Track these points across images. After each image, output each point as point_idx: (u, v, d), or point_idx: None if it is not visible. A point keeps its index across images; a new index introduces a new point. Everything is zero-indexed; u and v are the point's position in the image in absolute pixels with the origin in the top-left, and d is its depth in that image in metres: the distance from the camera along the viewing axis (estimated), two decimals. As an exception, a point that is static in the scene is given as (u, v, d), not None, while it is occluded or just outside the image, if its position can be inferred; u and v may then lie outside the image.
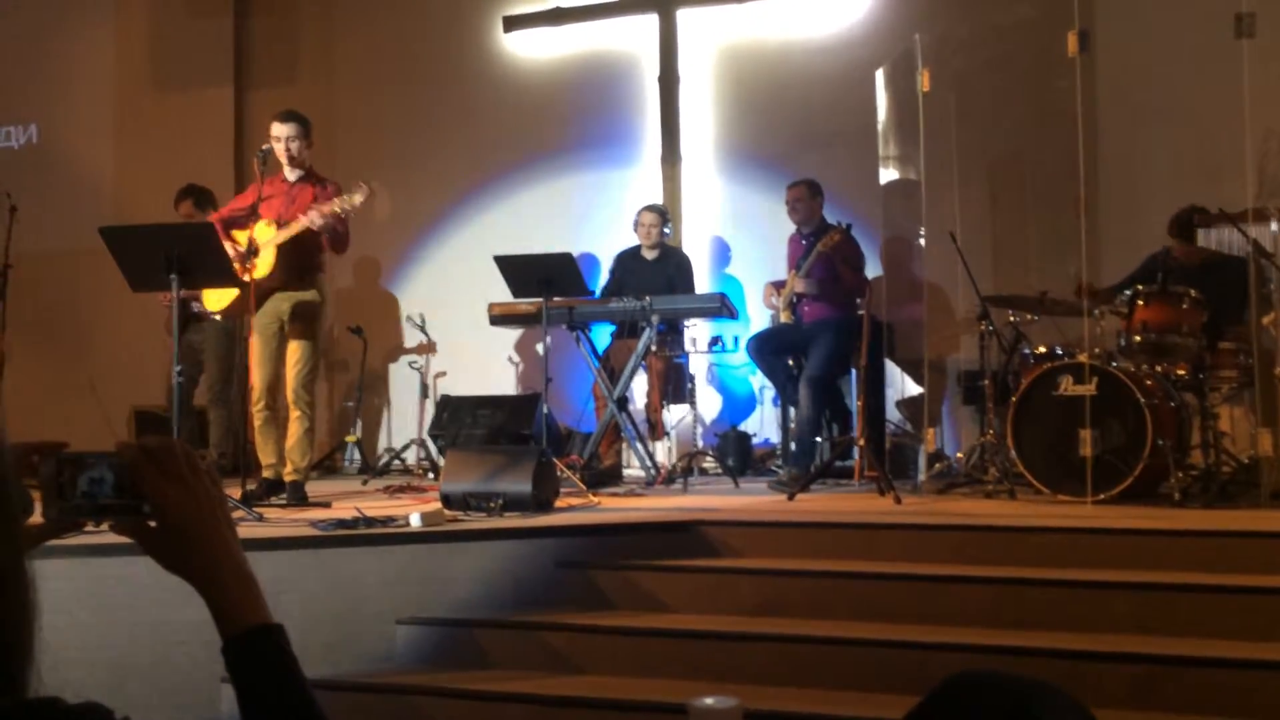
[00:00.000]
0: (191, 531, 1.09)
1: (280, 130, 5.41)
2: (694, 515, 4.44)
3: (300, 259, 5.35)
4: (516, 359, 7.77)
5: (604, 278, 7.17)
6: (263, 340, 5.31)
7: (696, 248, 7.51)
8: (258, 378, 5.31)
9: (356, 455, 7.97)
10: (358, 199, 5.16)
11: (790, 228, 6.61)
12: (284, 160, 5.41)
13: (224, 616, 1.08)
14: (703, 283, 7.36)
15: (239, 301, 5.30)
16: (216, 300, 5.49)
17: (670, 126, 7.66)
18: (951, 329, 6.54)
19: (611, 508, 5.03)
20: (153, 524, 1.09)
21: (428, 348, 7.74)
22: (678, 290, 6.63)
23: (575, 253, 6.23)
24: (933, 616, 3.67)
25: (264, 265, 5.24)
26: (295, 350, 5.38)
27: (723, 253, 7.66)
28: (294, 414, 5.38)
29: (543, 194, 7.91)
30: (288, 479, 5.37)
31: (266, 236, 5.26)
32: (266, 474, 5.35)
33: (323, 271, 5.50)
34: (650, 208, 6.95)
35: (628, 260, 6.98)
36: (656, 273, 6.79)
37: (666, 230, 6.92)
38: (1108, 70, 6.55)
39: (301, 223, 5.18)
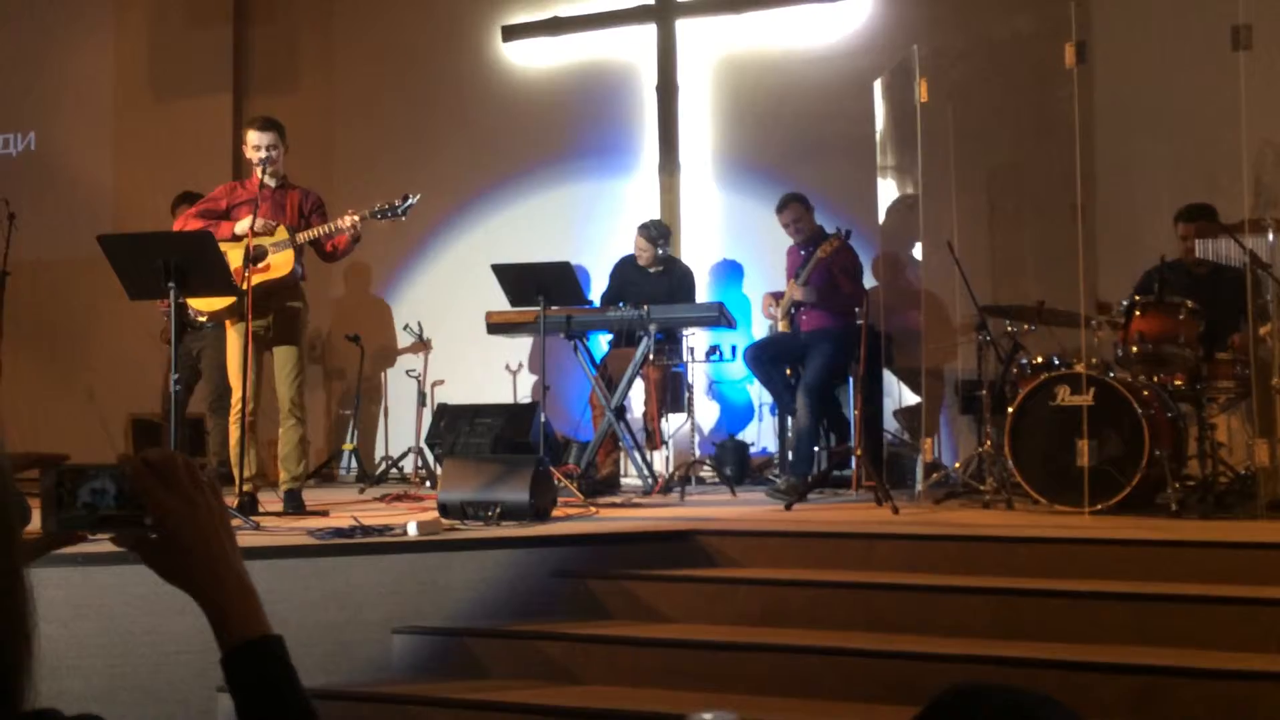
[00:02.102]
0: (192, 544, 1.09)
1: (261, 139, 5.34)
2: (691, 525, 4.44)
3: (300, 264, 5.35)
4: (514, 367, 7.77)
5: (603, 284, 7.17)
6: (245, 347, 5.18)
7: (694, 257, 7.52)
8: (242, 384, 5.23)
9: (354, 463, 7.96)
10: (401, 207, 5.24)
11: (789, 237, 6.61)
12: (265, 168, 5.30)
13: (224, 628, 1.08)
14: (702, 293, 7.36)
15: (231, 305, 5.25)
16: (205, 303, 5.39)
17: (668, 136, 7.67)
18: (949, 338, 6.55)
19: (609, 517, 5.02)
20: (153, 536, 1.10)
21: (425, 356, 7.73)
22: (679, 302, 6.62)
23: (573, 262, 6.22)
24: (930, 627, 3.67)
25: (284, 265, 5.21)
26: (285, 358, 5.33)
27: (723, 263, 7.67)
28: (288, 422, 5.35)
29: (541, 203, 7.92)
30: (284, 487, 5.35)
31: (278, 236, 5.21)
32: (246, 487, 5.15)
33: (304, 279, 5.49)
34: (643, 231, 6.87)
35: (628, 269, 6.97)
36: (658, 284, 6.77)
37: (661, 251, 6.88)
38: (1105, 81, 6.56)
39: (344, 221, 5.17)
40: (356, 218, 5.18)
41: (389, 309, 8.24)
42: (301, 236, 5.22)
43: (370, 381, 8.12)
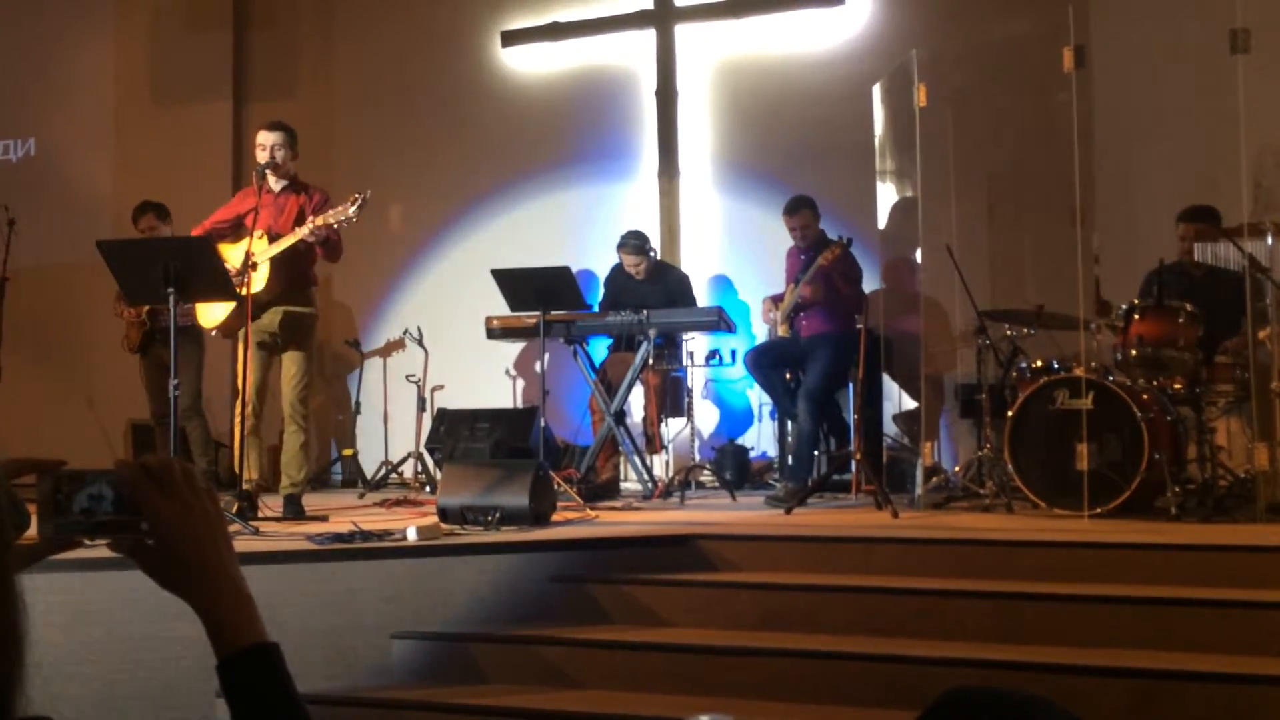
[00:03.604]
0: (189, 550, 1.09)
1: (267, 138, 5.37)
2: (691, 529, 4.44)
3: (294, 271, 5.33)
4: (514, 372, 7.77)
5: (599, 293, 7.17)
6: (253, 352, 5.19)
7: (693, 261, 7.52)
8: (242, 388, 5.22)
9: (353, 468, 7.96)
10: (352, 210, 5.12)
11: (790, 240, 6.61)
12: (268, 168, 5.31)
13: (220, 635, 1.08)
14: (701, 297, 7.36)
15: (234, 316, 5.26)
16: (210, 317, 5.41)
17: (668, 141, 7.68)
18: (949, 343, 6.55)
19: (608, 521, 5.02)
20: (150, 542, 1.09)
21: (425, 361, 7.73)
22: (676, 307, 6.61)
23: (572, 267, 6.22)
24: (929, 631, 3.67)
25: (259, 279, 5.21)
26: (291, 364, 5.34)
27: (722, 267, 7.67)
28: (290, 428, 5.36)
29: (540, 208, 7.92)
30: (284, 492, 5.36)
31: (259, 250, 5.22)
32: (247, 487, 5.14)
33: (315, 284, 5.49)
34: (623, 247, 6.80)
35: (621, 278, 6.97)
36: (652, 291, 6.75)
37: (652, 256, 6.85)
38: (1104, 85, 6.57)
39: (298, 234, 5.14)
40: (306, 228, 5.13)
41: (389, 313, 8.23)
42: (272, 249, 5.20)
43: (370, 387, 8.10)
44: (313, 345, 5.47)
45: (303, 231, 5.13)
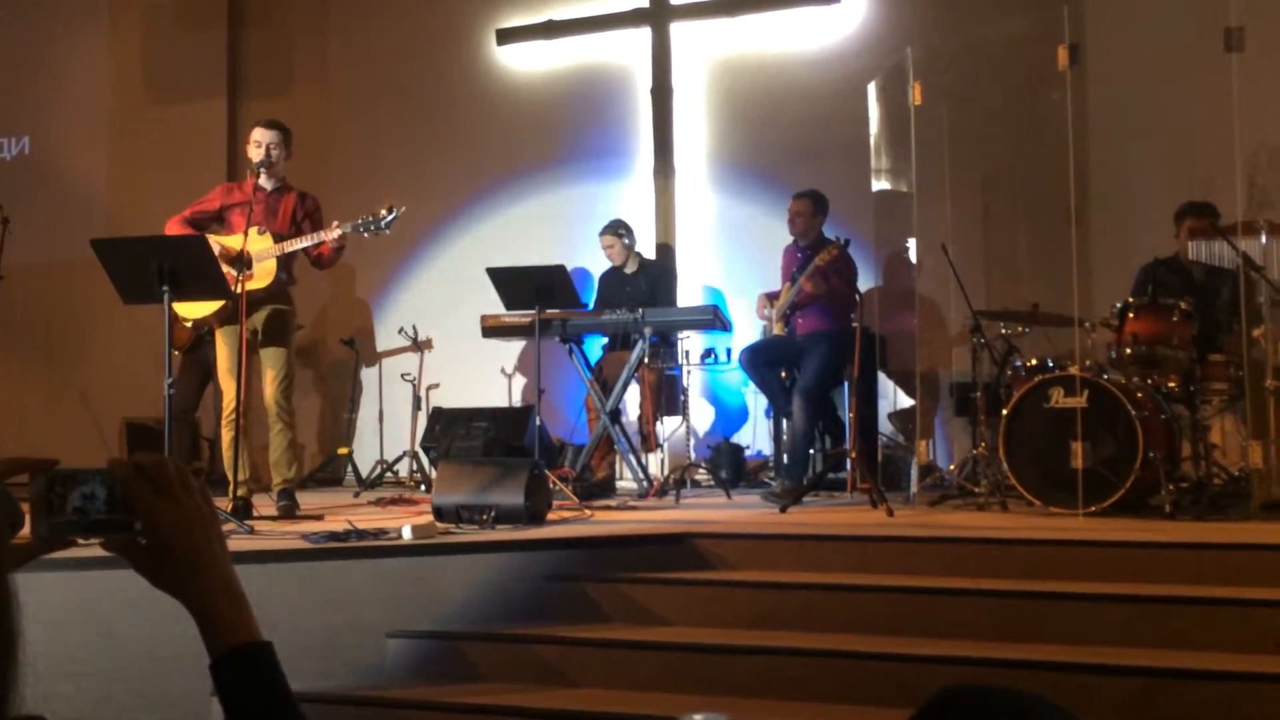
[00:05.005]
0: (182, 549, 1.08)
1: (264, 135, 5.37)
2: (687, 528, 4.44)
3: (288, 270, 5.36)
4: (509, 371, 7.76)
5: (594, 296, 7.19)
6: (236, 351, 5.15)
7: (688, 259, 7.52)
8: (233, 390, 5.20)
9: (349, 467, 7.95)
10: (385, 218, 5.20)
11: (785, 239, 6.62)
12: (261, 169, 5.28)
13: (213, 634, 1.08)
14: (695, 294, 7.37)
15: (219, 311, 5.23)
16: (190, 308, 5.26)
17: (663, 139, 7.68)
18: (944, 341, 6.55)
19: (604, 520, 5.02)
20: (144, 541, 1.09)
21: (420, 359, 7.72)
22: (659, 302, 6.64)
23: (568, 265, 6.23)
24: (925, 629, 3.67)
25: (265, 275, 5.20)
26: (273, 361, 5.32)
27: (717, 265, 7.67)
28: (276, 425, 5.33)
29: (536, 206, 7.92)
30: (277, 489, 5.35)
31: (262, 246, 5.21)
32: (240, 492, 5.09)
33: (294, 282, 5.49)
34: (604, 230, 6.93)
35: (609, 279, 7.03)
36: (636, 286, 6.80)
37: (628, 243, 6.90)
38: (1099, 84, 6.58)
39: (332, 233, 5.17)
40: (338, 232, 5.18)
41: (385, 312, 8.22)
42: (282, 248, 5.20)
43: (365, 385, 8.09)
44: (291, 341, 5.47)
45: (336, 232, 5.17)
